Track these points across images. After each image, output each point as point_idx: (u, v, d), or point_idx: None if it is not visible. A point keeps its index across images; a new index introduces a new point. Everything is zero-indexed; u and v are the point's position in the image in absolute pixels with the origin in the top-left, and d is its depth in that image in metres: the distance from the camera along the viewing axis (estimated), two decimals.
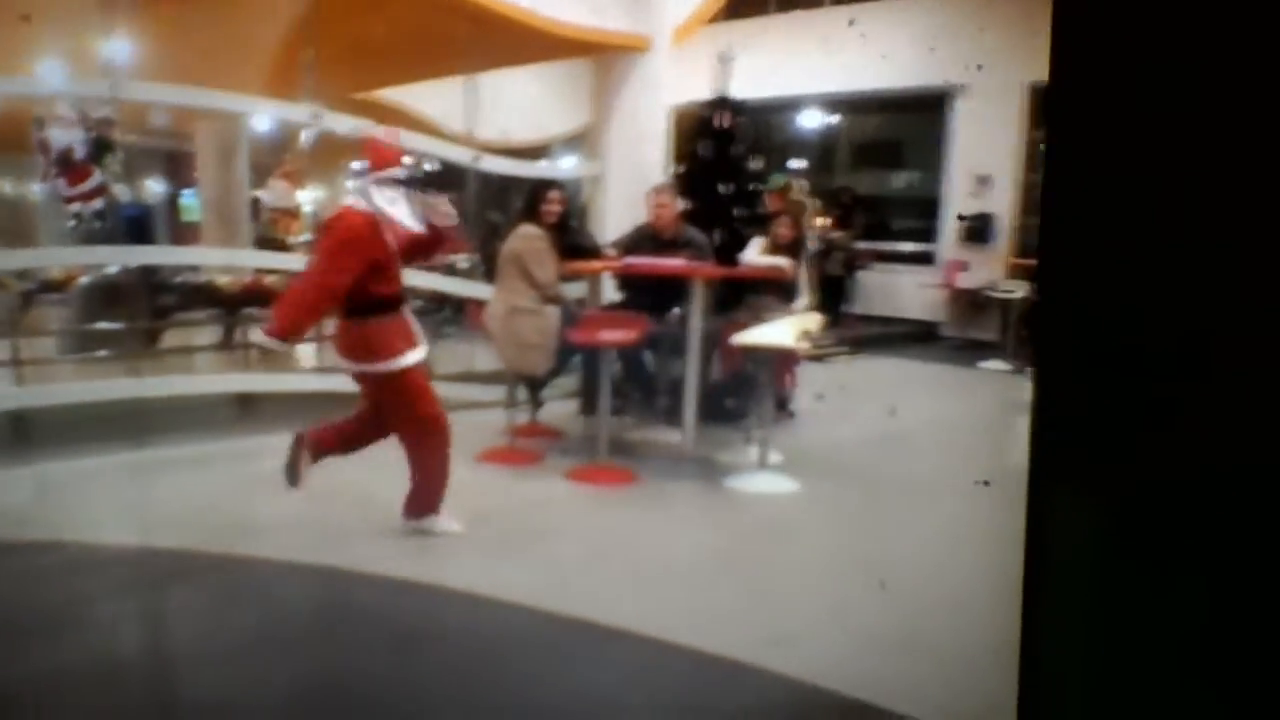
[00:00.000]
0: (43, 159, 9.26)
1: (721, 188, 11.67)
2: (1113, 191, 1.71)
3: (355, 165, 6.24)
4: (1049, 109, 1.78)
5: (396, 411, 6.20)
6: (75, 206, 9.54)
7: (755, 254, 9.63)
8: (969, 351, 15.46)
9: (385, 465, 6.45)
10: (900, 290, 17.87)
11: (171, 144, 19.07)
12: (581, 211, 12.44)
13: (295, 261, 9.78)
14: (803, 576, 5.95)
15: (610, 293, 9.82)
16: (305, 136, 9.87)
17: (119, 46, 8.79)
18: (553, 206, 8.71)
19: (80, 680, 4.49)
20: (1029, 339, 13.98)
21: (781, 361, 8.55)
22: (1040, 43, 1.74)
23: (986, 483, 7.38)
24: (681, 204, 9.54)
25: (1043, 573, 1.85)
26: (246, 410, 9.29)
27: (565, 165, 17.91)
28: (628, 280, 9.45)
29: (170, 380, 9.22)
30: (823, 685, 4.47)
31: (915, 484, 7.97)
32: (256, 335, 5.97)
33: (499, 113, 15.34)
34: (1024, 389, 11.79)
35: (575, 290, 9.46)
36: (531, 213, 8.66)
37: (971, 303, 16.71)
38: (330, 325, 7.18)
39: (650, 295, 8.85)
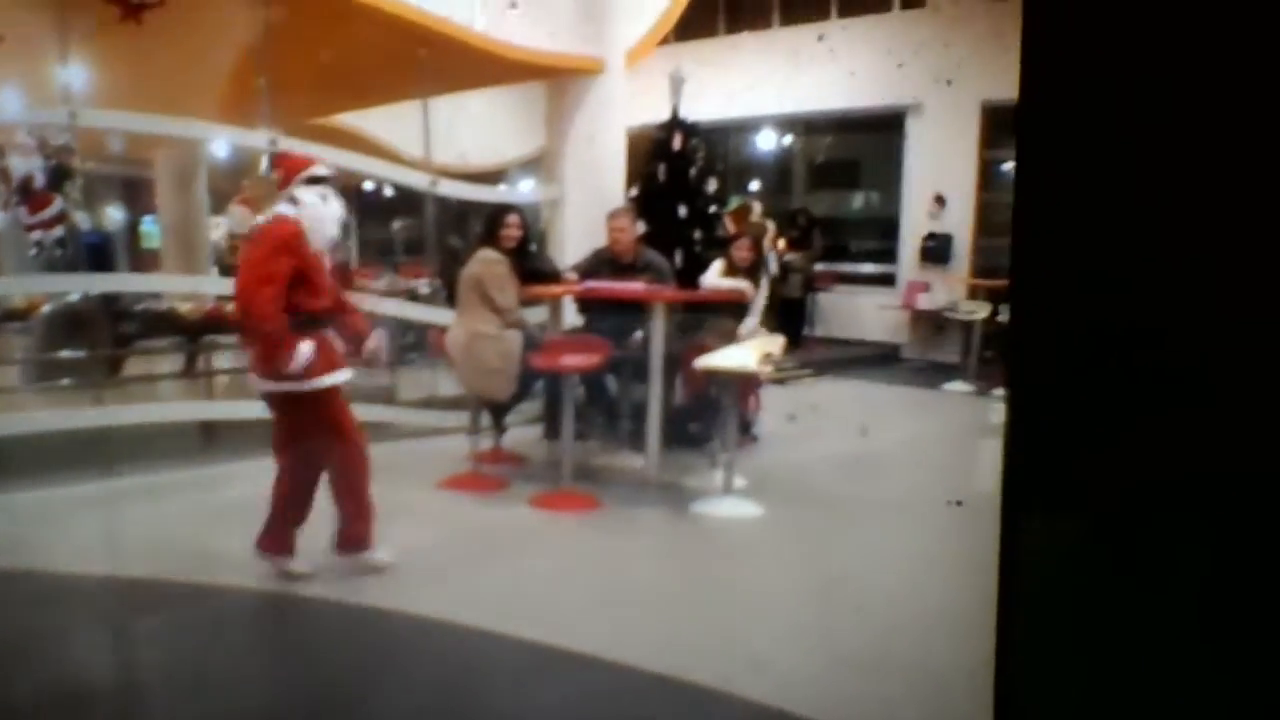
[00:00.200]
0: (2, 187, 9.24)
1: (679, 210, 11.69)
2: (1083, 211, 1.71)
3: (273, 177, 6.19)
4: (1019, 125, 1.78)
5: (315, 437, 5.99)
6: (36, 234, 9.53)
7: (715, 276, 9.67)
8: (932, 373, 15.50)
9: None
10: (861, 312, 17.91)
11: (130, 170, 19.02)
12: (541, 236, 12.44)
13: None
14: (769, 600, 5.97)
15: (572, 317, 9.83)
16: (264, 162, 9.84)
17: (75, 73, 8.78)
18: (512, 231, 8.70)
19: (47, 710, 4.48)
20: (994, 360, 14.03)
21: (744, 385, 8.58)
22: (993, 61, 1.74)
23: (959, 503, 7.41)
24: (640, 227, 9.55)
25: (1016, 592, 1.85)
26: (210, 438, 9.26)
27: (523, 189, 17.94)
28: (588, 304, 9.46)
29: (134, 409, 9.20)
30: (790, 710, 4.47)
31: (881, 506, 8.02)
32: (262, 384, 5.84)
33: (456, 137, 15.34)
34: (988, 410, 11.88)
35: (536, 315, 9.46)
36: (491, 237, 8.65)
37: (933, 324, 16.76)
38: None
39: (611, 319, 8.84)
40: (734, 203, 13.40)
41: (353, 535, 6.11)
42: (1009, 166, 15.65)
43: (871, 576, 6.36)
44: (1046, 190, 1.75)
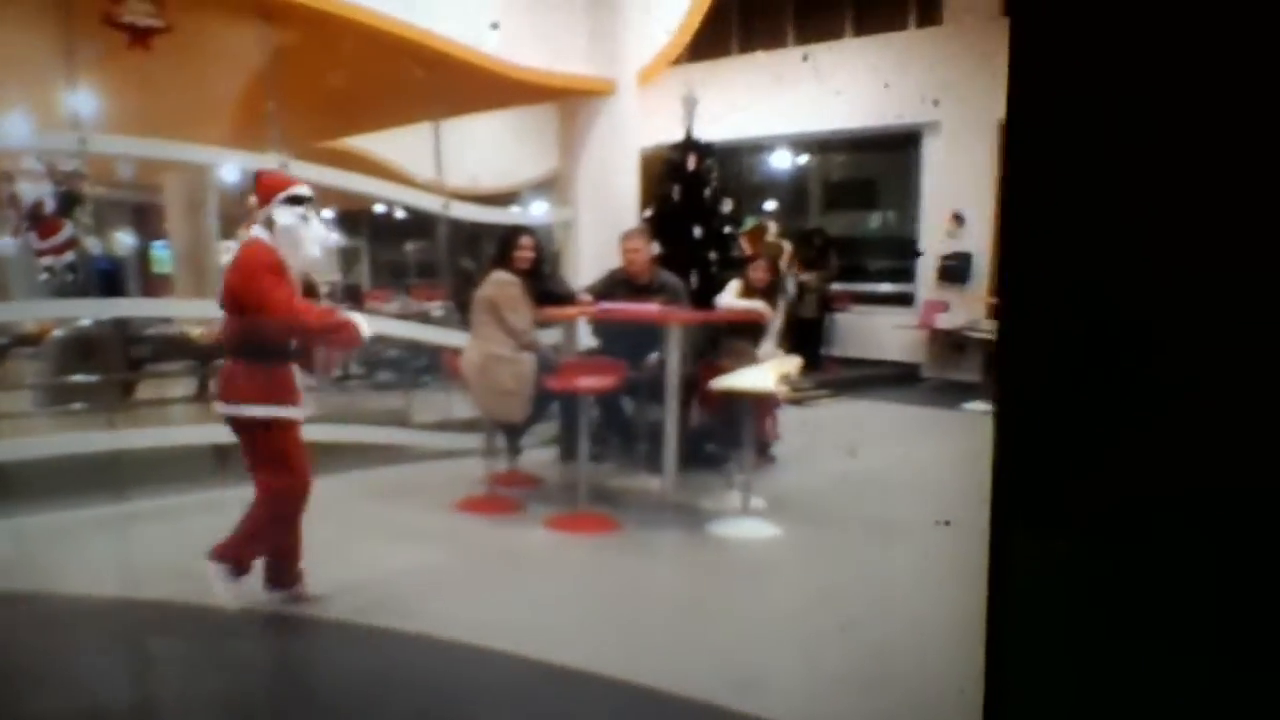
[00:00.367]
0: (13, 213, 9.21)
1: (694, 231, 11.63)
2: (1071, 226, 1.71)
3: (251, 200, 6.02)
4: (1009, 142, 1.80)
5: (255, 464, 5.81)
6: (47, 260, 9.50)
7: (732, 297, 9.59)
8: (951, 393, 15.37)
9: (362, 518, 6.38)
10: (879, 332, 17.79)
11: (139, 196, 19.04)
12: (554, 257, 12.40)
13: None
14: (787, 622, 5.90)
15: (586, 339, 9.76)
16: None
17: (84, 98, 8.76)
18: (525, 252, 8.66)
19: None
20: None
21: (762, 406, 8.51)
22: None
23: (947, 522, 7.34)
24: (654, 248, 9.49)
25: (1006, 607, 1.86)
26: (223, 461, 9.19)
27: (536, 211, 17.90)
28: (602, 326, 9.40)
29: (146, 432, 9.15)
30: None
31: (899, 527, 7.94)
32: (223, 408, 5.73)
33: (467, 159, 15.32)
34: None
35: (550, 337, 9.40)
36: (504, 259, 8.60)
37: (952, 343, 16.66)
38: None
39: (626, 341, 8.79)
40: (749, 223, 13.33)
41: (280, 572, 5.97)
42: None
43: (890, 598, 6.27)
44: (1034, 205, 1.76)
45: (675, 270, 9.70)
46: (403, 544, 7.21)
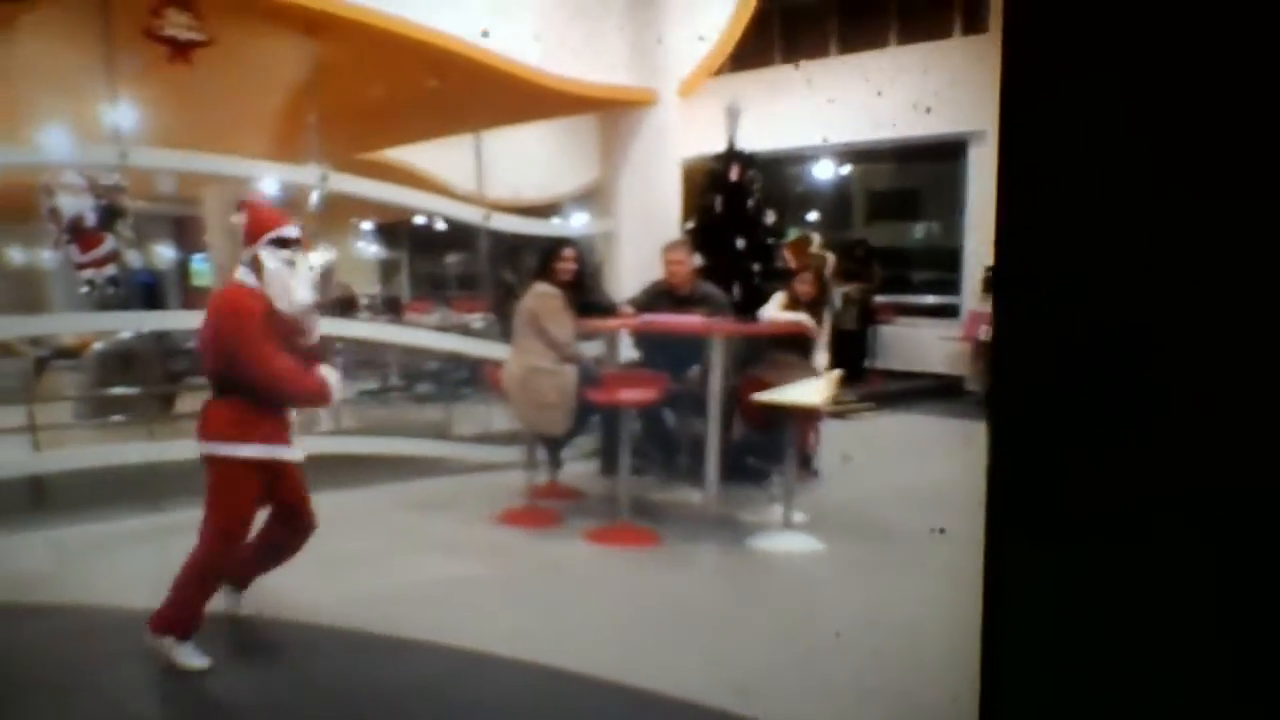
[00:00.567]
0: (54, 227, 9.21)
1: (737, 243, 11.56)
2: (1063, 231, 1.75)
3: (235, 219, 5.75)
4: (1001, 148, 1.91)
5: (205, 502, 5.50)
6: (88, 273, 9.48)
7: (776, 309, 9.50)
8: None
9: (402, 530, 6.34)
10: (922, 344, 17.65)
11: (178, 209, 19.13)
12: (596, 269, 12.36)
13: None
14: (830, 636, 5.81)
15: (627, 351, 9.71)
16: (313, 198, 9.81)
17: (124, 112, 8.78)
18: (568, 264, 8.61)
19: None
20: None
21: (804, 419, 8.44)
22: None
23: (942, 530, 7.26)
24: (696, 260, 9.44)
25: (1001, 614, 1.92)
26: None
27: (578, 222, 17.88)
28: (644, 338, 9.34)
29: (184, 444, 9.13)
30: None
31: (944, 541, 7.84)
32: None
33: (508, 171, 15.31)
34: None
35: (592, 349, 9.36)
36: (546, 271, 8.55)
37: None
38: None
39: (667, 353, 8.75)
40: (792, 234, 13.24)
41: (164, 614, 5.36)
42: None
43: (933, 612, 6.18)
44: (1026, 211, 1.84)
45: (717, 282, 9.65)
46: (442, 556, 7.19)
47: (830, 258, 14.01)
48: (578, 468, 9.62)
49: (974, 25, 16.99)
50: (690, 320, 8.43)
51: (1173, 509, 1.63)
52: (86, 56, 8.56)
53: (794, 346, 9.18)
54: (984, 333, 16.44)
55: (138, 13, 8.57)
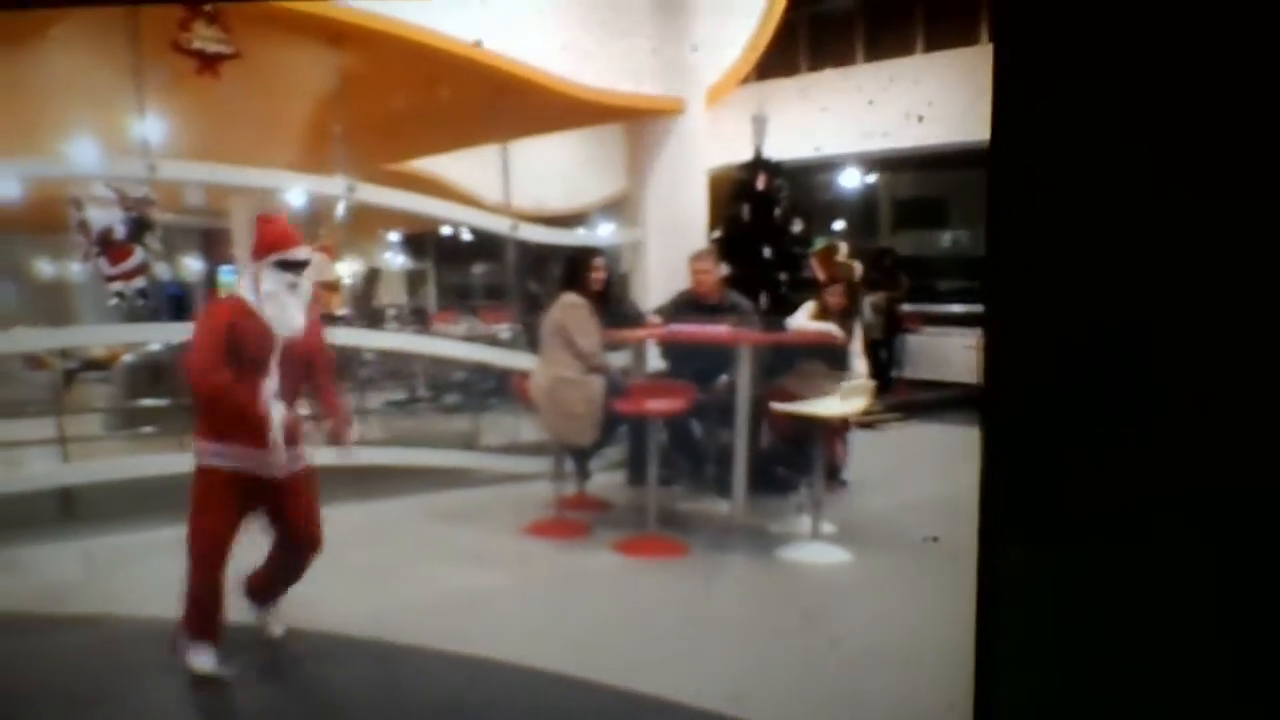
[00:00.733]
0: (83, 239, 9.25)
1: (764, 252, 11.54)
2: (1056, 235, 1.75)
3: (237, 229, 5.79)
4: (992, 153, 1.83)
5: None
6: (117, 285, 9.52)
7: (804, 319, 9.47)
8: None
9: (430, 541, 6.35)
10: (950, 353, 17.54)
11: (207, 221, 19.15)
12: (623, 279, 12.35)
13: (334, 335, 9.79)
14: (860, 647, 5.80)
15: (654, 361, 9.69)
16: (340, 209, 9.83)
17: (153, 125, 8.81)
18: (596, 274, 8.63)
19: None
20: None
21: (833, 429, 8.41)
22: None
23: (935, 538, 7.24)
24: (723, 269, 9.42)
25: (995, 618, 2.03)
26: None
27: (604, 232, 17.86)
28: (671, 348, 9.32)
29: None
30: None
31: (973, 553, 7.80)
32: None
33: (534, 180, 15.29)
34: None
35: (619, 359, 9.35)
36: (573, 281, 8.55)
37: None
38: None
39: (695, 363, 8.72)
40: (819, 243, 13.20)
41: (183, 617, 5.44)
42: None
43: (967, 626, 6.15)
44: (1019, 216, 1.81)
45: (745, 291, 9.63)
46: (470, 567, 7.20)
47: (858, 267, 13.98)
48: (605, 478, 9.60)
49: None
50: (717, 330, 8.42)
51: (1172, 509, 1.66)
52: (115, 70, 8.60)
53: (824, 356, 9.16)
54: None
55: (166, 26, 8.61)
